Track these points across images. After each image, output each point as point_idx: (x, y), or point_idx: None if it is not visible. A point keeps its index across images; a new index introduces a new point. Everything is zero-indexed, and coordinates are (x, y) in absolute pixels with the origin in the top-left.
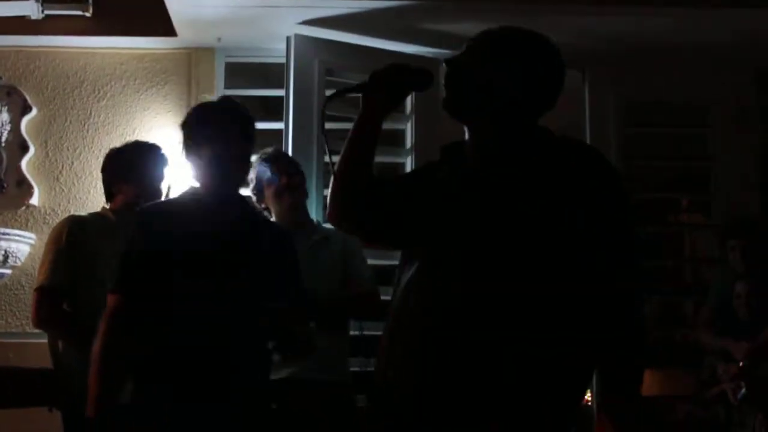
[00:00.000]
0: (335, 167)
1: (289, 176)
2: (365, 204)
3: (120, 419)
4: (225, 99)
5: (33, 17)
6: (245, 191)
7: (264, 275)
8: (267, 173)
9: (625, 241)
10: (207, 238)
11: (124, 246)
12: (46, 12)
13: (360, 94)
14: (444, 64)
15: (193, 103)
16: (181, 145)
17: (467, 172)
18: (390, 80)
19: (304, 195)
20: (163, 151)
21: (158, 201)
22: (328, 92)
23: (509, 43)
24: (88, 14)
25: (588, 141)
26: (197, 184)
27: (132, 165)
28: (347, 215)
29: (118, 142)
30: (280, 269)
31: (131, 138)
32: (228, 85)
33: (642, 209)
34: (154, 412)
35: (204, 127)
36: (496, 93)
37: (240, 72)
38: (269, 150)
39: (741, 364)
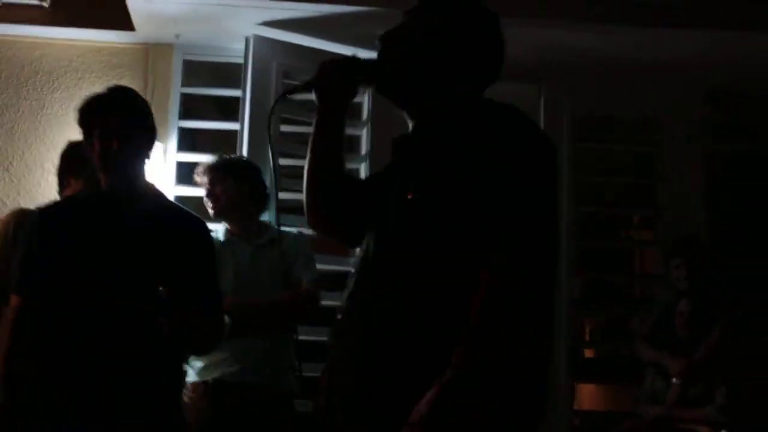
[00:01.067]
0: (305, 172)
1: (210, 186)
2: (339, 208)
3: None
4: (112, 89)
5: None
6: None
7: (163, 268)
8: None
9: (520, 211)
10: (100, 232)
11: (23, 245)
12: (3, 0)
13: (310, 92)
14: (378, 40)
15: (150, 99)
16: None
17: (397, 156)
18: (339, 71)
19: (233, 202)
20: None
21: (58, 200)
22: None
23: (440, 8)
24: (45, 4)
25: None
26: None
27: (84, 161)
28: (322, 221)
29: (70, 135)
30: (184, 260)
31: None
32: (185, 83)
33: (593, 224)
34: (53, 418)
35: (89, 121)
36: (430, 60)
37: (197, 70)
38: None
39: (674, 380)
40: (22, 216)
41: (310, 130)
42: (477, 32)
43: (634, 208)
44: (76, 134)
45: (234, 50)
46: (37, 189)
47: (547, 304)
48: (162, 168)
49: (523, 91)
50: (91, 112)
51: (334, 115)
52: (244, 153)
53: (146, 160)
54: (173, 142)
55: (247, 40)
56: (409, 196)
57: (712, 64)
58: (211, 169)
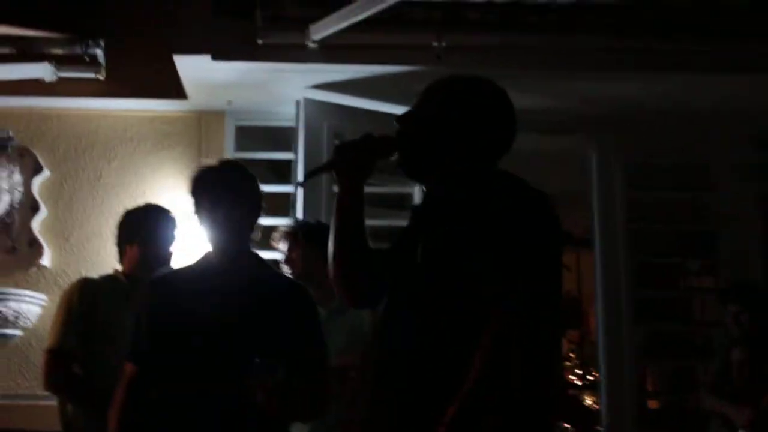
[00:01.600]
0: (330, 247)
1: (288, 252)
2: (361, 278)
3: None
4: (224, 162)
5: (47, 80)
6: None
7: (272, 334)
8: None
9: (516, 261)
10: (210, 303)
11: (136, 314)
12: (60, 74)
13: (332, 172)
14: (396, 121)
15: None
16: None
17: (411, 221)
18: (355, 151)
19: (309, 267)
20: (171, 214)
21: (171, 269)
22: None
23: (454, 90)
24: (101, 77)
25: (595, 205)
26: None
27: (137, 227)
28: (356, 296)
29: (128, 204)
30: (291, 326)
31: (141, 200)
32: (237, 148)
33: (652, 273)
34: None
35: (203, 192)
36: (448, 140)
37: (249, 135)
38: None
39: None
40: (84, 285)
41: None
42: (488, 108)
43: (691, 255)
44: (132, 202)
45: (285, 114)
46: (96, 257)
47: (546, 332)
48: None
49: (575, 143)
50: (202, 183)
51: (353, 192)
52: (299, 214)
53: (251, 231)
54: None
55: (297, 104)
56: (419, 258)
57: (761, 108)
58: (288, 235)
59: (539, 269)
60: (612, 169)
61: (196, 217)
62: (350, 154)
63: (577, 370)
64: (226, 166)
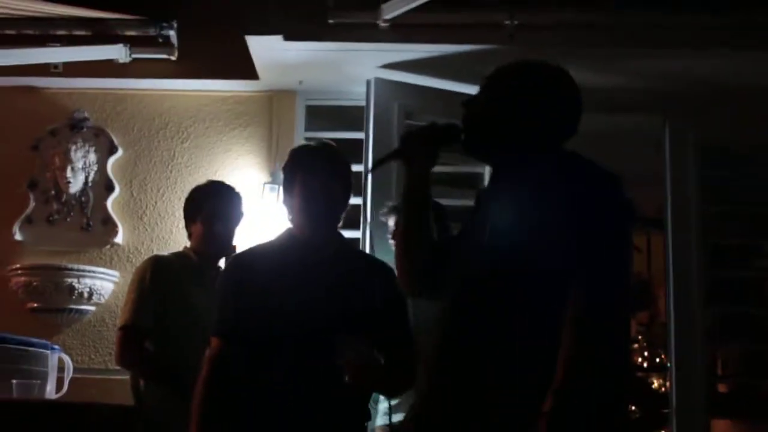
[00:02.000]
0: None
1: (396, 226)
2: (430, 271)
3: None
4: (323, 144)
5: (121, 61)
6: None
7: (362, 312)
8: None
9: (603, 273)
10: (300, 278)
11: (220, 289)
12: (134, 56)
13: (399, 159)
14: (462, 106)
15: (274, 145)
16: (281, 188)
17: (477, 208)
18: (421, 140)
19: None
20: (235, 191)
21: (254, 245)
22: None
23: (521, 75)
24: (173, 58)
25: (669, 186)
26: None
27: (200, 204)
28: (417, 285)
29: (200, 183)
30: (380, 305)
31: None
32: (308, 128)
33: (724, 254)
34: None
35: (298, 169)
36: (514, 125)
37: (320, 114)
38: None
39: None
40: (156, 263)
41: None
42: (553, 93)
43: (764, 237)
44: (203, 181)
45: (355, 93)
46: (170, 236)
47: (622, 317)
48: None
49: (648, 123)
50: (300, 157)
51: (419, 179)
52: (368, 195)
53: (342, 213)
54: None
55: (368, 83)
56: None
57: None
58: (397, 210)
59: (613, 256)
60: (686, 148)
61: (285, 193)
62: (415, 143)
63: (645, 353)
64: (325, 145)
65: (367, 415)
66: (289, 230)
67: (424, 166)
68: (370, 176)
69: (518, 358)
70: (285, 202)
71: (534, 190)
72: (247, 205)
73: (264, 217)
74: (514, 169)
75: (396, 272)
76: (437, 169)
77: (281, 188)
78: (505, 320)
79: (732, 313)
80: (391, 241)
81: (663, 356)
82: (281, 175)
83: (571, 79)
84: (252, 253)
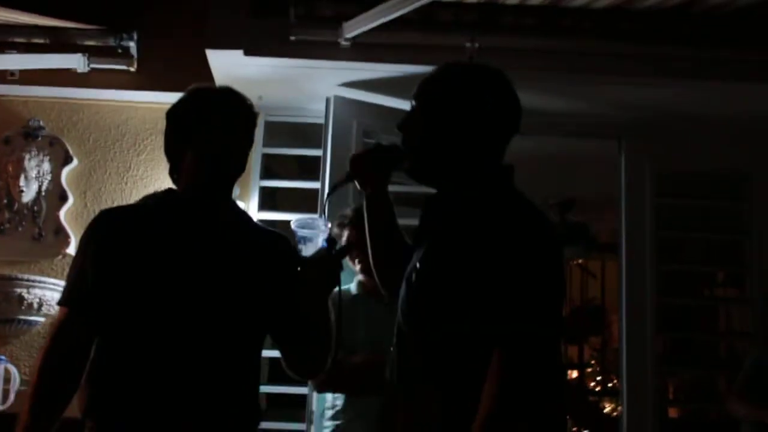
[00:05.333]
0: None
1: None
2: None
3: None
4: (227, 88)
5: (79, 70)
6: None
7: (250, 282)
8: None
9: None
10: (183, 241)
11: (76, 252)
12: (92, 66)
13: (353, 182)
14: (397, 129)
15: None
16: (165, 137)
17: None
18: (368, 161)
19: None
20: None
21: (127, 204)
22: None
23: (450, 81)
24: (132, 69)
25: (623, 211)
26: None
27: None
28: (388, 285)
29: None
30: (279, 285)
31: None
32: (267, 143)
33: (677, 282)
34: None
35: (201, 116)
36: (448, 136)
37: (279, 130)
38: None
39: None
40: None
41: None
42: (485, 96)
43: (719, 264)
44: None
45: (314, 111)
46: None
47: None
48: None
49: (604, 148)
50: (194, 105)
51: (376, 198)
52: (325, 211)
53: (239, 174)
54: (255, 201)
55: (327, 101)
56: (413, 276)
57: None
58: (350, 226)
59: (540, 307)
60: (641, 175)
61: (170, 143)
62: (363, 166)
63: (598, 377)
64: (227, 90)
65: (257, 413)
66: (169, 190)
67: (378, 186)
68: (327, 202)
69: (449, 398)
70: (168, 154)
71: (466, 228)
72: None
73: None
74: (450, 192)
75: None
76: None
77: (166, 139)
78: (433, 360)
79: (683, 339)
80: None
81: (615, 381)
82: (235, 189)
83: (504, 76)
84: (124, 210)
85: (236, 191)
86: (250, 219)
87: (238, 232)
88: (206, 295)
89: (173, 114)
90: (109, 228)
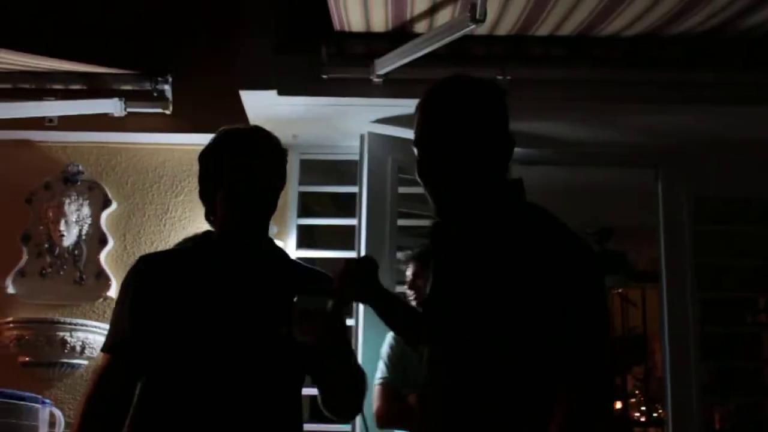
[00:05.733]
0: None
1: (413, 277)
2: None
3: None
4: (255, 127)
5: (116, 115)
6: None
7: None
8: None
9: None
10: (221, 283)
11: (117, 298)
12: (128, 110)
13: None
14: (413, 147)
15: None
16: (198, 180)
17: (440, 241)
18: (346, 283)
19: None
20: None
21: (166, 249)
22: (401, 189)
23: (455, 94)
24: (167, 111)
25: (662, 239)
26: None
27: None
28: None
29: None
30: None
31: None
32: (302, 182)
33: (719, 309)
34: None
35: (229, 156)
36: (463, 147)
37: (314, 168)
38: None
39: None
40: None
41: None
42: (491, 103)
43: (760, 290)
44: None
45: (349, 147)
46: None
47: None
48: None
49: (640, 176)
50: (223, 147)
51: (379, 305)
52: (362, 248)
53: (272, 213)
54: (293, 239)
55: (362, 138)
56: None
57: None
58: (416, 259)
59: (603, 340)
60: (678, 201)
61: (203, 186)
62: (346, 288)
63: (642, 407)
64: (256, 129)
65: (300, 428)
66: (206, 232)
67: (371, 299)
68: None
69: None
70: (203, 197)
71: (503, 248)
72: None
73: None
74: (477, 214)
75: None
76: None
77: (200, 182)
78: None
79: (727, 367)
80: (407, 291)
81: (660, 410)
82: (273, 227)
83: (502, 92)
84: (162, 255)
85: (274, 229)
86: (287, 257)
87: (275, 270)
88: (245, 335)
89: (204, 156)
90: (149, 273)
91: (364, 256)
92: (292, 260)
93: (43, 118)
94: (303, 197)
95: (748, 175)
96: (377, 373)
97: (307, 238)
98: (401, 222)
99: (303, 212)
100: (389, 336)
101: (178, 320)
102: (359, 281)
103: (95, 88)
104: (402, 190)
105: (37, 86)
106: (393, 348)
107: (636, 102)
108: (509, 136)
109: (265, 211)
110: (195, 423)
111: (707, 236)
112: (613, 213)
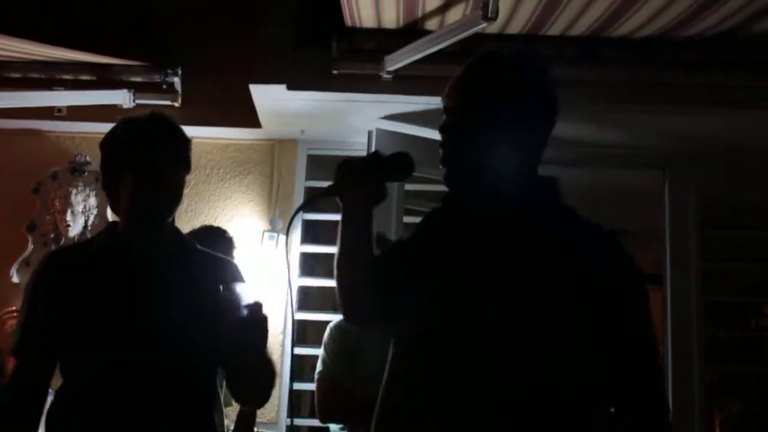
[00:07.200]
0: (335, 268)
1: None
2: (375, 300)
3: None
4: (155, 114)
5: (124, 106)
6: None
7: (200, 319)
8: None
9: (644, 333)
10: (124, 277)
11: (23, 299)
12: (137, 101)
13: (334, 196)
14: (439, 132)
15: (275, 194)
16: (99, 171)
17: (468, 220)
18: (362, 173)
19: None
20: (229, 235)
21: (71, 244)
22: (408, 186)
23: (495, 71)
24: (176, 104)
25: (668, 242)
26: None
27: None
28: (360, 316)
29: None
30: (218, 304)
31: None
32: (309, 177)
33: (723, 313)
34: None
35: (129, 147)
36: (493, 131)
37: (321, 164)
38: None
39: None
40: None
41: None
42: (533, 81)
43: (765, 295)
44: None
45: (357, 143)
46: None
47: None
48: (285, 259)
49: (648, 178)
50: (122, 138)
51: (360, 218)
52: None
53: (178, 203)
54: (298, 234)
55: (369, 134)
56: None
57: None
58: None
59: (656, 350)
60: (685, 205)
61: (105, 178)
62: (356, 176)
63: None
64: (155, 116)
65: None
66: (111, 224)
67: (367, 204)
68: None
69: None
70: (104, 187)
71: (538, 237)
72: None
73: (263, 265)
74: (497, 198)
75: (341, 302)
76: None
77: (102, 172)
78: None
79: (730, 371)
80: None
81: None
82: (278, 222)
83: (543, 61)
84: (68, 251)
85: (278, 224)
86: (192, 245)
87: (179, 261)
88: (150, 327)
89: (103, 146)
90: (54, 271)
91: (397, 153)
92: (197, 249)
93: (52, 108)
94: (309, 192)
95: (754, 180)
96: (317, 367)
97: (312, 233)
98: (407, 219)
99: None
100: (332, 324)
101: (85, 317)
102: (370, 171)
103: (104, 79)
104: (408, 186)
105: (47, 76)
106: (335, 338)
107: (645, 104)
108: (551, 115)
109: (168, 201)
110: (109, 420)
111: (713, 240)
112: (620, 215)
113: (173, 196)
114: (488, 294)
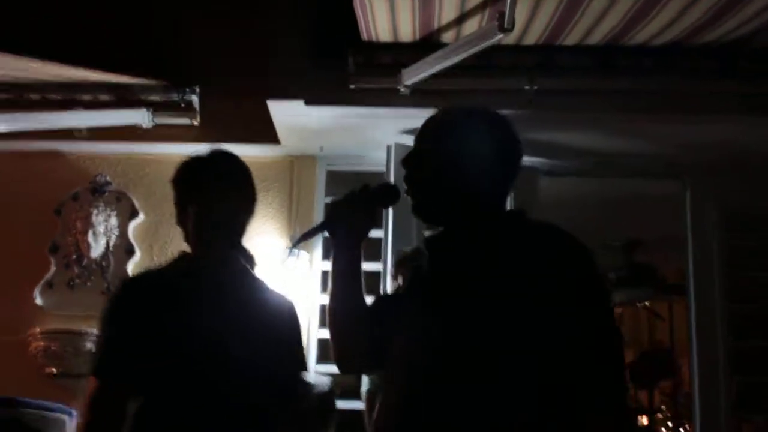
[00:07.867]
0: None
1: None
2: (373, 345)
3: None
4: (217, 152)
5: (144, 126)
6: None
7: (258, 342)
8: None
9: (601, 325)
10: (194, 305)
11: (102, 322)
12: (156, 121)
13: (327, 233)
14: (402, 164)
15: (294, 210)
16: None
17: (436, 268)
18: (353, 207)
19: None
20: (249, 253)
21: (147, 270)
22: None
23: (458, 124)
24: (195, 123)
25: (690, 251)
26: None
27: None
28: (350, 363)
29: None
30: (276, 337)
31: None
32: (328, 193)
33: (747, 323)
34: None
35: (191, 184)
36: (458, 176)
37: (340, 179)
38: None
39: None
40: None
41: None
42: (495, 137)
43: None
44: None
45: (376, 159)
46: None
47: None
48: (307, 276)
49: (669, 188)
50: (191, 171)
51: (352, 252)
52: (388, 259)
53: (241, 232)
54: (318, 250)
55: (388, 149)
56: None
57: None
58: (399, 264)
59: (618, 347)
60: (707, 213)
61: (177, 211)
62: (348, 211)
63: (669, 423)
64: (218, 153)
65: None
66: (182, 254)
67: (358, 236)
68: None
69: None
70: (178, 222)
71: (511, 261)
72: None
73: (284, 282)
74: (470, 231)
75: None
76: None
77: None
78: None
79: (758, 382)
80: None
81: (687, 426)
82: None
83: (507, 122)
84: (143, 278)
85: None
86: (253, 278)
87: (238, 293)
88: (224, 355)
89: (173, 183)
90: (132, 297)
91: (384, 185)
92: (257, 282)
93: (72, 129)
94: (328, 209)
95: None
96: (363, 385)
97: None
98: (427, 233)
99: None
100: None
101: (162, 342)
102: (360, 204)
103: (123, 99)
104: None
105: (66, 97)
106: None
107: (664, 112)
108: (511, 159)
109: (228, 233)
110: None
111: (737, 248)
112: (641, 224)
113: (233, 227)
114: (464, 340)
